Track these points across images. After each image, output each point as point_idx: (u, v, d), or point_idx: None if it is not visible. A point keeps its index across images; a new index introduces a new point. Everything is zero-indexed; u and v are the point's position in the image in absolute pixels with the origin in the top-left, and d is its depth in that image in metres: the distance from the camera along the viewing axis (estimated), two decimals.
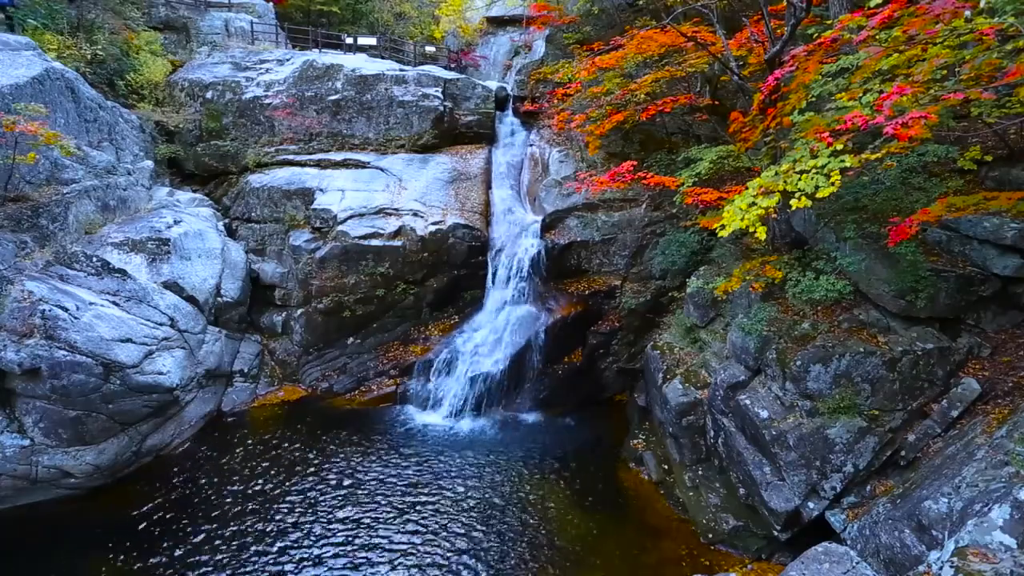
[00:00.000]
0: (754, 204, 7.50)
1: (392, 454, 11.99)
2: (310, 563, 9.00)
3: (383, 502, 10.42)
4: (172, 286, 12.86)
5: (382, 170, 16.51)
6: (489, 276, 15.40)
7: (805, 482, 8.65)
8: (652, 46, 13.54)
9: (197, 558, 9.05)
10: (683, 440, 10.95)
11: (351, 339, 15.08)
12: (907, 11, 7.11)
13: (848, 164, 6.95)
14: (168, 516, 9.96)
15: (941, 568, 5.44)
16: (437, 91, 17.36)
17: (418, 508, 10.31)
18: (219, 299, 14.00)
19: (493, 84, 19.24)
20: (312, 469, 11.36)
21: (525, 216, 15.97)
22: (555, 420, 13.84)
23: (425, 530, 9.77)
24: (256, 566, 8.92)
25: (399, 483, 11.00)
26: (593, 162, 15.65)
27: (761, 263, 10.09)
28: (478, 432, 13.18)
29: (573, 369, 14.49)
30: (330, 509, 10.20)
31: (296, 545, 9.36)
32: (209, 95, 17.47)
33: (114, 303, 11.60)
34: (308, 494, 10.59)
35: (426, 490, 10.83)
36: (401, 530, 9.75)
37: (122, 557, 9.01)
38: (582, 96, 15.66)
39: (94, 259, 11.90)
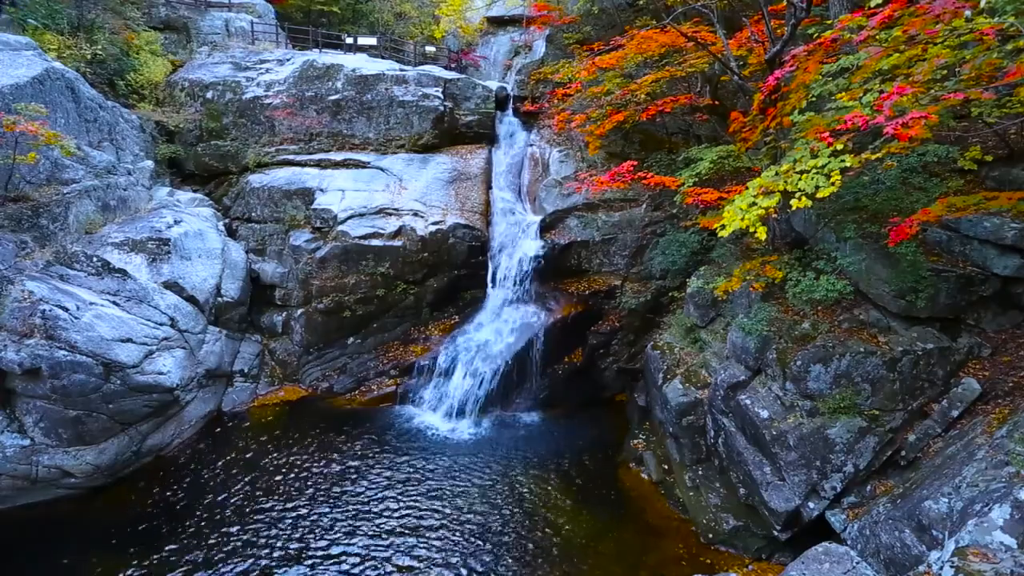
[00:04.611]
0: (754, 204, 7.50)
1: (392, 454, 12.00)
2: (311, 562, 9.00)
3: (383, 502, 10.43)
4: (172, 286, 12.86)
5: (382, 170, 16.50)
6: (489, 276, 15.42)
7: (805, 482, 8.66)
8: (652, 46, 13.54)
9: (197, 558, 9.04)
10: (683, 440, 10.95)
11: (351, 339, 15.08)
12: (907, 11, 7.11)
13: (848, 164, 6.95)
14: (168, 516, 9.96)
15: (941, 568, 5.43)
16: (437, 91, 17.35)
17: (418, 508, 10.31)
18: (219, 299, 14.00)
19: (493, 84, 19.20)
20: (312, 469, 11.35)
21: (525, 216, 15.96)
22: (555, 420, 13.85)
23: (425, 530, 9.78)
24: (257, 565, 8.92)
25: (399, 482, 11.00)
26: (593, 162, 15.65)
27: (761, 263, 10.09)
28: (478, 432, 13.18)
29: (573, 369, 14.50)
30: (330, 508, 10.20)
31: (296, 543, 9.36)
32: (209, 95, 17.48)
33: (114, 303, 11.60)
34: (308, 493, 10.60)
35: (425, 490, 10.83)
36: (401, 529, 9.76)
37: (122, 557, 9.00)
38: (582, 96, 15.65)
39: (94, 259, 11.90)
